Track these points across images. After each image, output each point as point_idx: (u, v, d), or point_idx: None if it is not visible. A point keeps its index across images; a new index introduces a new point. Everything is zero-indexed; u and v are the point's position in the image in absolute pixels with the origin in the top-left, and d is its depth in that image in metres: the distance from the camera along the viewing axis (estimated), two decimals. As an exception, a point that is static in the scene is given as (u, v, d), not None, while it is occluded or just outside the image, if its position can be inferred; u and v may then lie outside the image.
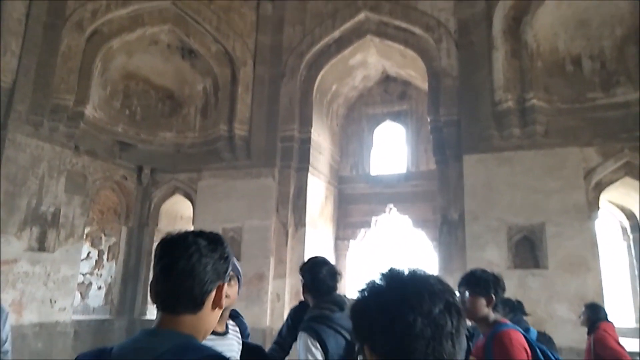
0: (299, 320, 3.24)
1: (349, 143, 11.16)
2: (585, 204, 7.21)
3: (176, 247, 1.05)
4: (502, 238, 7.48)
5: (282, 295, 8.70)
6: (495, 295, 2.41)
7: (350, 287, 10.13)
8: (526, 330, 2.45)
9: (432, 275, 0.89)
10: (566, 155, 7.45)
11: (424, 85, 9.43)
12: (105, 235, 10.33)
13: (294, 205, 9.28)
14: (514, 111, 7.69)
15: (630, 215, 9.05)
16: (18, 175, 7.76)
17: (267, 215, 9.11)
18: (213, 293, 1.06)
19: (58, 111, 8.27)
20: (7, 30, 7.80)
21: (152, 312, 10.06)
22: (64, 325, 8.30)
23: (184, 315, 1.02)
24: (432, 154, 8.85)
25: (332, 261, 9.90)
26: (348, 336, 2.29)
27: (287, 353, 3.33)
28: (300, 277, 3.16)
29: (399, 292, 0.84)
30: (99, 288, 10.13)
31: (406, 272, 0.89)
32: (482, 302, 2.39)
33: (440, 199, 8.41)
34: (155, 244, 9.14)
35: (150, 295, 1.09)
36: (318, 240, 9.62)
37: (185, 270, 1.02)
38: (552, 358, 2.35)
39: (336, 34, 9.53)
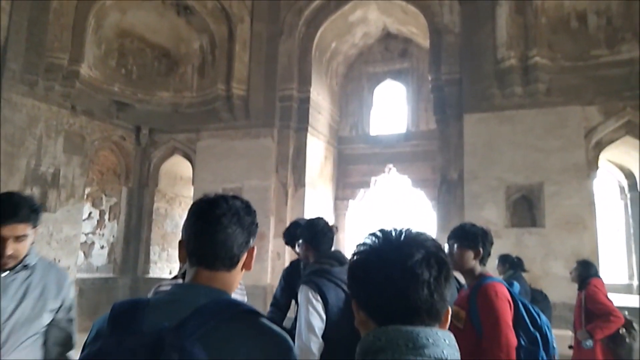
0: (292, 281, 3.33)
1: (349, 103, 11.04)
2: (585, 163, 7.23)
3: (218, 208, 1.10)
4: (501, 197, 7.54)
5: (282, 253, 8.84)
6: (482, 249, 2.46)
7: (349, 247, 10.28)
8: (510, 284, 2.52)
9: (418, 231, 0.91)
10: (567, 114, 7.40)
11: (425, 42, 9.24)
12: (105, 195, 10.38)
13: (294, 165, 9.27)
14: (516, 69, 7.58)
15: (628, 174, 9.08)
16: (16, 135, 7.71)
17: (266, 176, 9.12)
18: (246, 254, 1.14)
19: (53, 70, 8.13)
20: (-4, -15, 7.55)
21: (154, 271, 10.25)
22: (69, 283, 8.46)
23: (219, 272, 1.09)
24: (433, 113, 8.77)
25: (332, 221, 10.01)
26: (348, 289, 2.34)
27: (285, 313, 3.43)
28: (286, 239, 3.29)
29: (378, 247, 0.88)
30: (102, 247, 10.27)
31: (393, 231, 0.91)
32: (470, 254, 2.45)
33: (440, 159, 8.41)
34: (155, 205, 9.24)
35: (182, 252, 1.14)
36: (317, 200, 9.68)
37: (228, 231, 1.09)
38: (533, 311, 2.42)
39: (336, -12, 9.25)
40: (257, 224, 1.17)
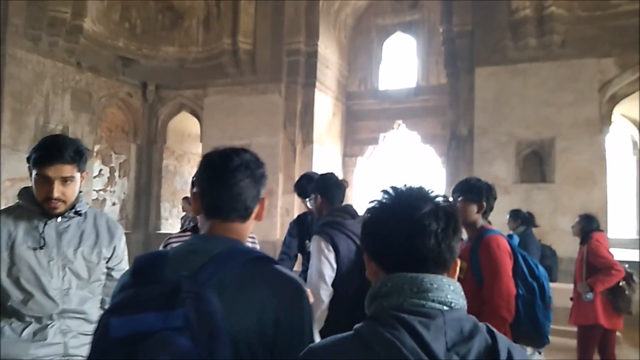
0: (300, 232, 3.45)
1: (358, 56, 10.80)
2: (598, 118, 7.10)
3: (231, 161, 1.14)
4: (511, 153, 7.49)
5: (291, 209, 8.93)
6: (486, 203, 2.52)
7: (358, 204, 10.34)
8: (510, 237, 2.62)
9: (429, 188, 0.93)
10: (582, 66, 7.20)
11: (437, -8, 8.92)
12: (115, 153, 10.44)
13: (301, 122, 9.21)
14: (531, 20, 7.33)
15: (642, 129, 8.93)
16: (23, 92, 7.69)
17: (274, 132, 9.09)
18: (258, 205, 1.18)
19: (56, 25, 8.00)
20: None
21: (165, 227, 10.45)
22: (83, 238, 8.67)
23: (234, 223, 1.14)
24: (443, 66, 8.60)
25: (341, 177, 10.03)
26: (358, 241, 2.40)
27: (294, 261, 3.55)
28: (298, 191, 3.34)
29: (388, 202, 0.91)
30: (114, 204, 10.43)
31: (404, 187, 0.93)
32: (473, 208, 2.50)
33: (450, 114, 8.30)
34: (164, 162, 9.29)
35: (196, 204, 1.17)
36: (325, 157, 9.67)
37: (241, 184, 1.13)
38: (531, 262, 2.53)
39: None
40: (266, 176, 1.20)
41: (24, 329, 1.70)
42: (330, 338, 0.87)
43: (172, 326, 0.91)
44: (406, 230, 0.85)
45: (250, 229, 1.19)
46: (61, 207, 1.74)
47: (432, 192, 0.92)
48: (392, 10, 10.45)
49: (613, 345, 4.20)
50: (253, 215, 1.18)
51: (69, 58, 8.45)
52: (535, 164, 7.49)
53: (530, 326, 2.40)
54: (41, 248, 1.73)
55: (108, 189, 10.42)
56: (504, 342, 0.83)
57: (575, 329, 4.31)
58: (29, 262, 1.72)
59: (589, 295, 4.04)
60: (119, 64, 9.59)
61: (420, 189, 0.92)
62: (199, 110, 9.93)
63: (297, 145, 9.14)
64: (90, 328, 1.63)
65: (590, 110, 7.11)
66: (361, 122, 10.64)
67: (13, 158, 7.43)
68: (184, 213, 8.41)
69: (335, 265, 2.37)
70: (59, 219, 1.78)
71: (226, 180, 1.12)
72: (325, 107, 9.77)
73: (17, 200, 1.82)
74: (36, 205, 1.76)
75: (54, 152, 1.68)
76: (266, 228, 8.66)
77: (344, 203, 2.70)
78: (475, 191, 2.51)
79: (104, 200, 10.40)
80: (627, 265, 4.24)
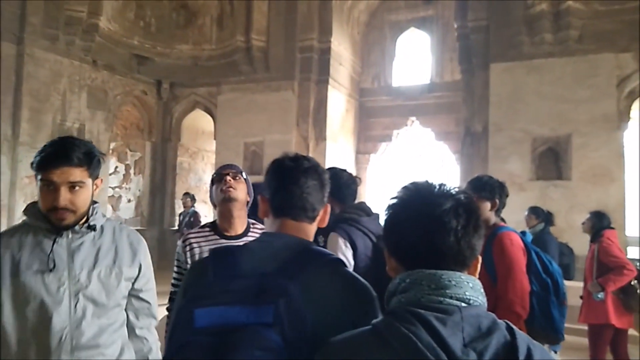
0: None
1: (371, 53, 10.75)
2: (615, 114, 6.98)
3: (302, 164, 1.21)
4: (526, 149, 7.40)
5: (304, 206, 8.95)
6: (499, 200, 2.53)
7: (371, 201, 10.32)
8: (523, 233, 2.61)
9: (450, 185, 0.92)
10: (599, 62, 7.08)
11: (451, -12, 8.84)
12: (130, 150, 10.57)
13: (315, 119, 9.22)
14: (547, 14, 7.22)
15: (662, 125, 8.75)
16: (40, 91, 7.82)
17: (287, 129, 9.11)
18: (322, 210, 1.24)
19: (72, 24, 8.11)
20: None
21: (180, 223, 10.55)
22: (99, 235, 8.79)
23: (303, 223, 1.19)
24: (458, 63, 8.52)
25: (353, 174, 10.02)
26: (374, 239, 2.40)
27: None
28: None
29: (409, 198, 0.90)
30: (129, 201, 10.56)
31: (424, 183, 0.93)
32: (487, 205, 2.51)
33: (464, 110, 8.23)
34: (178, 159, 9.37)
35: (264, 206, 1.23)
36: (339, 154, 9.66)
37: (312, 185, 1.19)
38: (544, 259, 2.52)
39: None
40: (329, 183, 1.28)
41: None
42: (349, 333, 0.87)
43: (263, 321, 0.93)
44: (426, 227, 0.85)
45: (314, 231, 1.24)
46: (70, 218, 1.47)
47: (453, 188, 0.91)
48: (405, 6, 10.38)
49: (625, 345, 4.14)
50: (318, 218, 1.23)
51: (85, 56, 8.57)
52: (551, 160, 7.40)
53: (545, 322, 2.39)
54: (50, 271, 1.46)
55: (123, 186, 10.55)
56: (523, 339, 0.82)
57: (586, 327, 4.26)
58: (35, 290, 1.45)
59: (600, 295, 3.98)
60: (134, 62, 9.69)
61: (441, 185, 0.91)
62: (213, 107, 10.00)
63: (310, 142, 9.15)
64: None
65: (608, 106, 6.99)
66: (374, 118, 10.61)
67: (31, 155, 7.44)
68: (182, 209, 8.48)
69: (352, 263, 2.34)
70: (70, 235, 1.52)
71: (298, 181, 1.18)
72: (339, 104, 9.76)
73: (24, 217, 1.58)
74: (43, 221, 1.50)
75: (60, 152, 1.45)
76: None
77: (357, 200, 2.69)
78: (487, 188, 2.51)
79: (120, 197, 10.54)
80: (638, 264, 4.18)
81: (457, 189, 0.91)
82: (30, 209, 1.56)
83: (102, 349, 1.53)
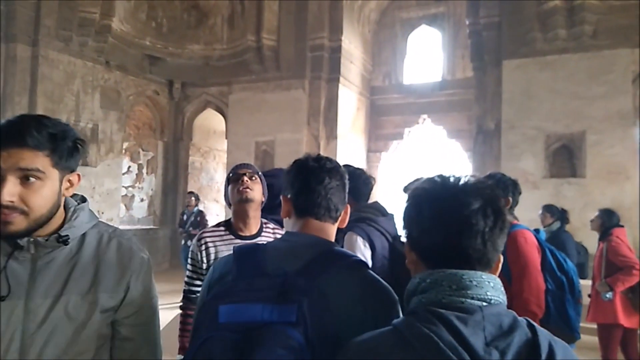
0: None
1: (382, 51, 10.71)
2: (631, 110, 6.88)
3: (325, 164, 1.22)
4: (539, 147, 7.33)
5: (316, 205, 8.95)
6: (512, 198, 2.50)
7: (382, 200, 10.29)
8: (537, 231, 2.58)
9: (477, 179, 0.89)
10: (615, 57, 6.98)
11: (462, -16, 8.77)
12: (142, 150, 10.66)
13: (325, 117, 9.21)
14: (560, 10, 7.14)
15: (679, 121, 8.60)
16: (55, 92, 7.93)
17: (298, 128, 9.12)
18: (343, 210, 1.25)
19: (85, 25, 8.20)
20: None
21: (192, 222, 10.61)
22: (113, 234, 8.88)
23: (327, 224, 1.20)
24: (470, 60, 8.46)
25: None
26: (390, 239, 2.39)
27: None
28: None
29: (435, 193, 0.87)
30: (142, 200, 10.66)
31: (452, 177, 0.90)
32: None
33: (477, 108, 8.16)
34: (190, 158, 9.43)
35: (286, 206, 1.23)
36: (350, 152, 9.65)
37: (335, 185, 1.21)
38: (559, 257, 2.50)
39: None
40: (348, 184, 1.28)
41: None
42: (369, 333, 0.86)
43: (287, 320, 0.95)
44: (452, 228, 0.83)
45: (335, 231, 1.25)
46: (19, 223, 1.02)
47: (481, 183, 0.88)
48: (416, 4, 10.32)
49: (635, 344, 4.09)
50: (340, 218, 1.24)
51: (98, 57, 8.66)
52: (565, 158, 7.31)
53: (561, 321, 2.37)
54: (2, 299, 1.03)
55: (136, 185, 10.65)
56: (545, 336, 0.81)
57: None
58: None
59: (609, 295, 3.93)
60: (146, 62, 9.77)
61: (468, 180, 0.88)
62: (224, 107, 10.04)
63: (321, 141, 9.15)
64: None
65: (623, 103, 6.89)
66: (385, 117, 10.57)
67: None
68: (186, 208, 8.39)
69: (371, 263, 2.34)
70: (34, 248, 1.07)
71: (322, 181, 1.19)
72: (349, 102, 9.74)
73: None
74: None
75: (12, 130, 1.03)
76: (291, 224, 8.71)
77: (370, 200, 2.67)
78: (500, 186, 2.48)
79: (133, 196, 10.64)
80: None
81: (483, 184, 0.88)
82: None
83: None
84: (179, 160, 10.61)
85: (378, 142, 10.64)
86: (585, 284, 4.07)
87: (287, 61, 9.23)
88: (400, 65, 10.55)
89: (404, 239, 0.96)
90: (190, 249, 2.16)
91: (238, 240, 2.07)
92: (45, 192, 1.05)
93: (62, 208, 1.12)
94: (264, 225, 2.19)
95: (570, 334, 2.39)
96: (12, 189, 1.01)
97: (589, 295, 4.21)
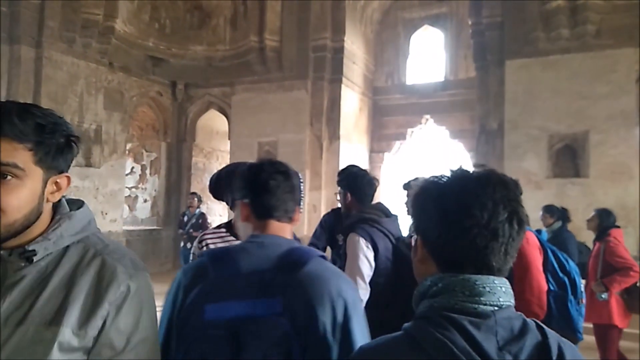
0: (331, 226, 3.40)
1: (384, 51, 10.71)
2: (635, 110, 6.86)
3: (278, 170, 1.31)
4: (543, 147, 7.31)
5: (318, 206, 8.95)
6: None
7: (385, 200, 10.27)
8: (538, 232, 2.56)
9: (502, 181, 0.85)
10: (618, 57, 6.95)
11: (465, -16, 8.76)
12: (146, 150, 10.69)
13: (328, 118, 9.21)
14: (563, 10, 7.12)
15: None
16: (58, 93, 7.96)
17: (301, 129, 9.12)
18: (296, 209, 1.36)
19: (89, 26, 8.23)
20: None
21: (195, 223, 10.64)
22: (116, 235, 8.92)
23: (283, 222, 1.31)
24: (472, 60, 8.44)
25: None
26: (394, 240, 2.38)
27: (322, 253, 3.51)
28: (338, 187, 3.22)
29: (461, 197, 0.82)
30: (145, 201, 10.69)
31: (473, 174, 0.86)
32: None
33: (479, 108, 8.16)
34: (193, 159, 9.44)
35: (245, 211, 1.32)
36: (352, 153, 9.65)
37: (292, 190, 1.31)
38: (561, 257, 2.49)
39: None
40: (301, 184, 1.38)
41: None
42: (381, 338, 0.85)
43: (274, 312, 1.06)
44: (481, 239, 0.80)
45: (291, 230, 1.35)
46: None
47: (507, 187, 0.84)
48: (419, 4, 10.30)
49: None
50: (293, 218, 1.34)
51: (101, 59, 8.69)
52: (568, 158, 7.29)
53: (563, 322, 2.35)
54: None
55: (140, 186, 10.69)
56: (554, 337, 0.81)
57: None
58: None
59: (605, 295, 3.92)
60: (149, 63, 9.80)
61: (497, 182, 0.84)
62: (227, 108, 10.06)
63: (324, 141, 9.15)
64: None
65: (627, 102, 6.86)
66: (388, 117, 10.57)
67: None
68: (187, 209, 8.30)
69: (373, 264, 2.32)
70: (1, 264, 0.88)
71: (279, 184, 1.28)
72: (352, 102, 9.74)
73: None
74: None
75: None
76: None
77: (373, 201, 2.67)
78: None
79: (136, 197, 10.68)
80: None
81: (509, 187, 0.85)
82: None
83: None
84: (182, 161, 10.63)
85: (381, 142, 10.63)
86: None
87: (290, 62, 9.24)
88: (402, 66, 10.54)
89: (409, 236, 0.97)
90: (192, 250, 2.16)
91: (239, 242, 2.07)
92: (23, 194, 0.86)
93: (46, 215, 0.94)
94: None
95: (572, 335, 2.38)
96: None
97: None
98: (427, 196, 0.88)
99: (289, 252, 1.21)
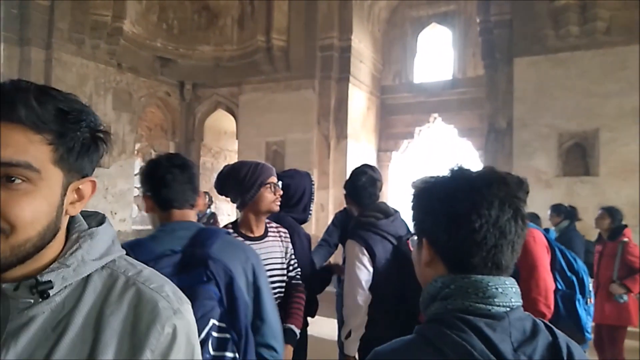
0: (343, 224, 3.40)
1: (392, 50, 10.68)
2: (646, 107, 6.77)
3: (173, 164, 1.46)
4: (552, 145, 7.25)
5: (326, 205, 8.95)
6: None
7: (392, 199, 10.27)
8: (546, 230, 2.54)
9: (504, 179, 0.85)
10: (629, 54, 6.88)
11: (473, -18, 8.71)
12: (154, 150, 10.75)
13: (335, 117, 9.21)
14: (573, 7, 7.05)
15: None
16: (68, 94, 8.04)
17: (308, 128, 9.13)
18: (198, 197, 1.54)
19: (97, 28, 8.31)
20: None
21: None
22: (126, 234, 8.99)
23: (185, 210, 1.47)
24: (481, 58, 8.39)
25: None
26: (394, 241, 2.37)
27: (334, 249, 3.47)
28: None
29: (469, 197, 0.82)
30: (154, 200, 10.75)
31: (475, 173, 0.87)
32: None
33: (488, 106, 8.11)
34: (201, 159, 9.48)
35: (148, 203, 1.48)
36: (360, 152, 9.63)
37: (189, 181, 1.47)
38: (569, 256, 2.46)
39: None
40: (199, 173, 1.51)
41: None
42: (395, 342, 0.84)
43: (199, 281, 1.27)
44: (491, 239, 0.80)
45: (194, 215, 1.53)
46: None
47: (511, 185, 0.85)
48: (427, 2, 10.26)
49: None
50: (196, 203, 1.53)
51: (110, 60, 8.76)
52: (579, 156, 7.23)
53: (571, 321, 2.34)
54: None
55: (149, 186, 10.75)
56: (562, 338, 0.82)
57: None
58: None
59: (626, 297, 3.87)
60: (157, 64, 9.86)
61: (499, 182, 0.84)
62: (235, 107, 10.09)
63: (331, 140, 9.15)
64: None
65: (638, 99, 6.78)
66: (396, 116, 10.54)
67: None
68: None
69: (371, 269, 2.32)
70: (2, 301, 0.66)
71: (176, 177, 1.43)
72: (359, 101, 9.73)
73: None
74: None
75: None
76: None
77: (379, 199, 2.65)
78: None
79: (145, 196, 10.75)
80: None
81: (512, 184, 0.85)
82: None
83: None
84: (190, 161, 10.69)
85: (388, 141, 10.61)
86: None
87: (297, 61, 9.24)
88: (410, 64, 10.51)
89: (406, 238, 0.97)
90: None
91: (248, 242, 2.07)
92: (37, 203, 0.63)
93: (63, 232, 0.70)
94: (267, 226, 2.22)
95: (580, 335, 2.36)
96: None
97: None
98: (431, 197, 0.87)
99: (199, 232, 1.40)
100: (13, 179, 0.61)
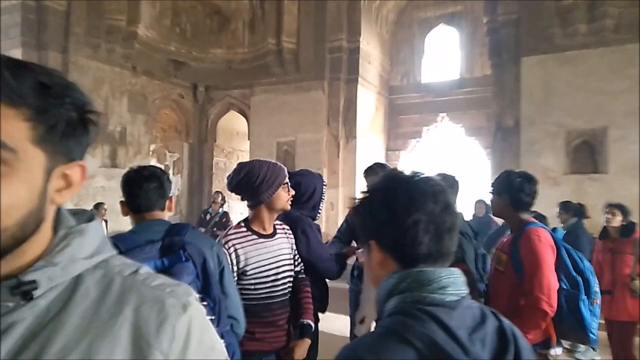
0: None
1: (400, 51, 10.77)
2: (655, 105, 6.77)
3: (143, 174, 1.73)
4: (560, 143, 7.27)
5: (336, 204, 9.07)
6: (517, 197, 2.48)
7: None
8: (553, 230, 2.52)
9: (433, 176, 0.93)
10: (637, 51, 6.84)
11: (480, -18, 8.76)
12: (169, 151, 10.98)
13: (345, 117, 9.33)
14: (581, 5, 7.07)
15: None
16: (84, 97, 8.26)
17: (318, 129, 9.26)
18: (168, 200, 1.81)
19: (113, 32, 8.53)
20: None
21: (216, 222, 10.86)
22: (141, 233, 9.18)
23: (156, 212, 1.75)
24: (488, 57, 8.44)
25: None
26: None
27: (345, 246, 3.60)
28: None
29: (405, 193, 0.89)
30: (168, 200, 10.96)
31: (408, 174, 0.93)
32: (502, 202, 2.50)
33: (495, 105, 8.15)
34: (214, 159, 9.61)
35: (124, 209, 1.77)
36: (369, 151, 9.73)
37: (158, 188, 1.74)
38: (576, 256, 2.42)
39: None
40: (171, 181, 1.85)
41: None
42: (366, 336, 0.87)
43: (181, 260, 1.51)
44: (436, 230, 0.86)
45: (165, 216, 1.79)
46: None
47: (436, 181, 0.92)
48: (434, 3, 10.34)
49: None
50: (167, 206, 1.79)
51: (125, 63, 8.98)
52: (587, 154, 7.23)
53: (574, 321, 2.29)
54: None
55: (163, 186, 10.96)
56: (506, 322, 0.89)
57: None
58: None
59: None
60: (171, 67, 10.07)
61: (429, 178, 0.91)
62: (246, 109, 10.26)
63: (341, 140, 9.26)
64: None
65: (646, 97, 6.79)
66: (404, 116, 10.62)
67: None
68: (211, 205, 8.37)
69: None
70: None
71: (141, 186, 1.70)
72: (368, 102, 9.83)
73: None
74: None
75: None
76: (312, 222, 8.83)
77: None
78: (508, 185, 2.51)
79: (159, 197, 10.96)
80: None
81: (437, 181, 0.91)
82: None
83: None
84: (203, 161, 10.89)
85: (397, 141, 10.70)
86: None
87: (307, 63, 9.38)
88: (418, 65, 10.59)
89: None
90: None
91: (261, 240, 2.13)
92: (14, 188, 0.53)
93: (49, 227, 0.61)
94: (274, 223, 2.29)
95: (583, 335, 2.33)
96: None
97: (602, 292, 4.15)
98: (372, 202, 0.93)
99: (172, 226, 1.66)
100: None
